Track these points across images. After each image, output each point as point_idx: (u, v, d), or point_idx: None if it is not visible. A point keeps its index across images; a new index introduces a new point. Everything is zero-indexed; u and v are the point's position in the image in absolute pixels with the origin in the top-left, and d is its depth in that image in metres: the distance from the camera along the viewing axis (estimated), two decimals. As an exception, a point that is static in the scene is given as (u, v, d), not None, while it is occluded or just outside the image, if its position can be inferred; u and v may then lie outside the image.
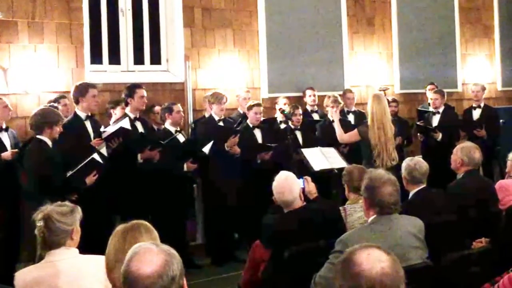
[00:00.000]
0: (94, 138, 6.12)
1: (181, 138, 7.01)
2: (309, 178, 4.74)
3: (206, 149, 6.92)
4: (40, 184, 5.37)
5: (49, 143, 5.57)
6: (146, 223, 2.91)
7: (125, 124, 6.27)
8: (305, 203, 4.30)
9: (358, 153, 6.87)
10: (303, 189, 4.47)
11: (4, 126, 6.24)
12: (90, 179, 5.73)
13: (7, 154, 6.02)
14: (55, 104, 6.50)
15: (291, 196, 4.18)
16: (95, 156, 5.71)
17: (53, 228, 3.26)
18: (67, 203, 3.47)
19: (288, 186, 4.19)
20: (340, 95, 8.45)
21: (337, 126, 7.07)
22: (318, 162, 7.09)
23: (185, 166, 6.92)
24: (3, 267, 5.70)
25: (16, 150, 6.03)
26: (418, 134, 8.99)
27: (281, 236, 4.01)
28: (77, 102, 6.14)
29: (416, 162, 4.78)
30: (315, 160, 7.12)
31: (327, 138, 7.75)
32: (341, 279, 2.11)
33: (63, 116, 5.85)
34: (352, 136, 6.88)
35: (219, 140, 7.05)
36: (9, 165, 5.99)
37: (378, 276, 2.05)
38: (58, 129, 5.60)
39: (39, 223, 3.27)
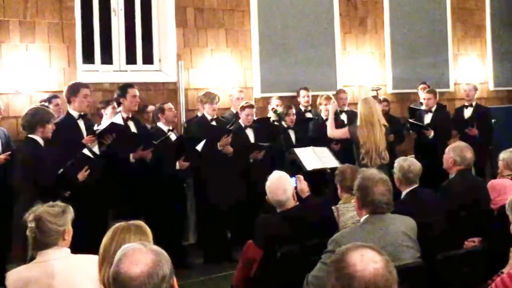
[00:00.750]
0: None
1: (173, 137, 6.99)
2: (301, 177, 4.74)
3: (199, 147, 6.91)
4: (33, 184, 5.34)
5: (41, 142, 5.55)
6: (141, 223, 2.91)
7: (117, 119, 6.26)
8: (298, 202, 4.30)
9: (350, 152, 6.87)
10: (296, 187, 4.47)
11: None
12: (83, 175, 5.73)
13: None
14: (47, 104, 6.47)
15: (284, 196, 4.18)
16: (85, 151, 5.69)
17: (45, 229, 3.23)
18: (58, 203, 3.43)
19: (281, 186, 4.19)
20: (333, 95, 8.45)
21: (329, 121, 7.06)
22: (310, 162, 7.09)
23: (177, 164, 6.91)
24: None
25: (5, 157, 5.91)
26: (410, 131, 9.01)
27: (274, 236, 4.01)
28: (69, 101, 6.14)
29: (410, 163, 4.78)
30: (307, 159, 7.12)
31: (319, 136, 7.74)
32: (333, 279, 2.10)
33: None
34: (343, 133, 6.91)
35: (211, 139, 7.04)
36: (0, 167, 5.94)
37: (371, 277, 2.04)
38: (50, 126, 5.58)
39: (31, 224, 3.24)
